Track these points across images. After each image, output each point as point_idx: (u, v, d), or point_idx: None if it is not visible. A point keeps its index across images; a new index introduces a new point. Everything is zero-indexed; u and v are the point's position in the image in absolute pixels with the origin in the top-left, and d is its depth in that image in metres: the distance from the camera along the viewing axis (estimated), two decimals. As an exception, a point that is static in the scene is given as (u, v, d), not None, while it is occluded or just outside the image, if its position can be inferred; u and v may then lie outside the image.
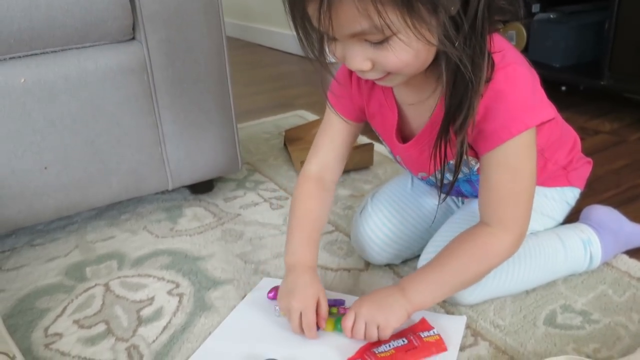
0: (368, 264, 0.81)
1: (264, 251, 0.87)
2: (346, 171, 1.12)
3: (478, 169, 0.64)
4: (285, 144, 1.28)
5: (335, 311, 0.68)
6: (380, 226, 0.77)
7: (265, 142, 1.35)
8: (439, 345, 0.62)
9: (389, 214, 0.78)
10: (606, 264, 0.76)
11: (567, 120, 0.75)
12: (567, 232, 0.73)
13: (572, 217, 0.79)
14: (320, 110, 1.58)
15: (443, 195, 0.66)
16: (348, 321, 0.62)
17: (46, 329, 0.72)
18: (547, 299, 0.71)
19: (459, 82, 0.53)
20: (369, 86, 0.68)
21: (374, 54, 0.52)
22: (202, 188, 1.07)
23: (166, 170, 0.96)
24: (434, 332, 0.63)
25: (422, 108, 0.63)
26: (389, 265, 0.80)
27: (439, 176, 0.63)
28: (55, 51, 0.83)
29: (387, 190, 0.82)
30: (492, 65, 0.54)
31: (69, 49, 0.84)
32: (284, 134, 1.30)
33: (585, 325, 0.66)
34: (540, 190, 0.72)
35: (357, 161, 1.12)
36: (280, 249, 0.87)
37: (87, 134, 0.87)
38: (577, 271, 0.74)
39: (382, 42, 0.50)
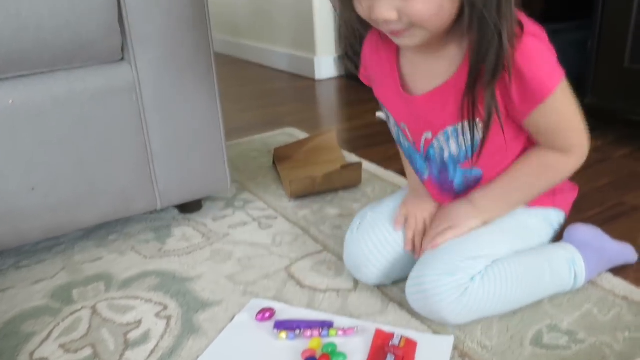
0: (357, 285, 0.81)
1: (252, 272, 0.87)
2: (334, 190, 1.13)
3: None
4: (274, 163, 1.28)
5: (335, 333, 0.69)
6: (382, 243, 0.77)
7: (254, 160, 1.35)
8: (411, 343, 0.65)
9: (387, 232, 0.78)
10: (591, 282, 0.77)
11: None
12: (552, 251, 0.74)
13: (557, 235, 0.80)
14: (309, 127, 1.60)
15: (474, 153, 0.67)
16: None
17: (32, 354, 0.71)
18: (533, 319, 0.71)
19: (485, 33, 0.56)
20: (378, 49, 0.72)
21: (401, 3, 0.55)
22: (191, 207, 1.07)
23: (155, 190, 0.96)
24: (397, 335, 0.66)
25: (442, 62, 0.65)
26: (378, 286, 0.80)
27: (456, 134, 0.66)
28: (43, 72, 0.83)
29: (387, 207, 0.82)
30: (518, 22, 0.58)
31: (58, 70, 0.84)
32: (273, 152, 1.31)
33: (571, 345, 0.67)
34: (525, 211, 0.73)
35: (346, 180, 1.13)
36: (269, 269, 0.87)
37: (76, 154, 0.87)
38: (563, 290, 0.75)
39: None
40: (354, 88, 2.13)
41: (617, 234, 0.84)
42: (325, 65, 2.30)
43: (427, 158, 0.73)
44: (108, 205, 0.92)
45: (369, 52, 0.74)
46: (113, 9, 0.84)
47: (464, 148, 0.67)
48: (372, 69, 0.75)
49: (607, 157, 1.25)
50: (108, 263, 0.92)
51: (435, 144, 0.69)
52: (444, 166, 0.72)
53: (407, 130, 0.73)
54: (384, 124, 1.58)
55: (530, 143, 0.70)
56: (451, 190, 0.75)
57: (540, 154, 0.68)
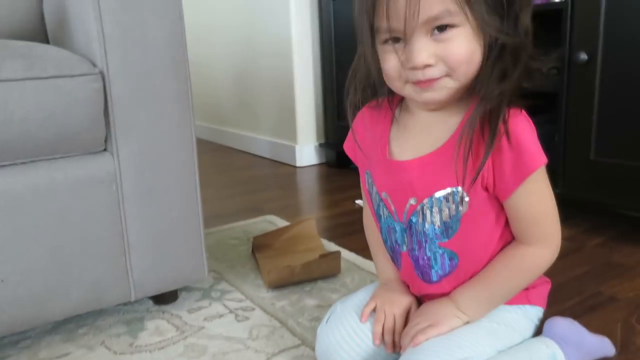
0: (335, 381, 0.78)
1: (227, 367, 0.83)
2: (313, 280, 1.12)
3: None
4: (253, 251, 1.28)
5: None
6: (351, 335, 0.75)
7: (233, 248, 1.34)
8: None
9: (356, 325, 0.76)
10: (573, 378, 0.76)
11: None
12: (534, 347, 0.73)
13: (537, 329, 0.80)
14: (288, 215, 1.60)
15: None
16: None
17: None
18: (518, 418, 0.69)
19: (501, 65, 0.62)
20: (371, 118, 0.76)
21: (437, 48, 0.60)
22: (166, 298, 1.04)
23: (129, 281, 0.94)
24: None
25: (440, 127, 0.68)
26: (356, 382, 0.77)
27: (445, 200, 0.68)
28: (25, 162, 0.84)
29: (357, 298, 0.81)
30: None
31: (39, 160, 0.85)
32: (252, 240, 1.30)
33: None
34: (503, 307, 0.73)
35: (325, 270, 1.12)
36: (245, 365, 0.83)
37: (51, 245, 0.85)
38: (545, 386, 0.73)
39: (446, 32, 0.59)
40: (334, 175, 2.17)
41: (596, 325, 0.84)
42: (307, 152, 2.36)
43: (409, 227, 0.73)
44: (80, 297, 0.89)
45: (361, 121, 0.78)
46: (99, 102, 0.86)
47: (447, 219, 0.68)
48: (361, 136, 0.77)
49: (582, 246, 1.28)
50: (75, 359, 0.87)
51: (419, 211, 0.70)
52: (423, 238, 0.71)
53: (389, 199, 0.73)
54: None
55: (506, 239, 0.71)
56: (427, 270, 0.74)
57: (518, 250, 0.69)
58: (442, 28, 0.60)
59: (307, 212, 1.72)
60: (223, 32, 2.82)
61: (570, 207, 1.52)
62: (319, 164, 2.37)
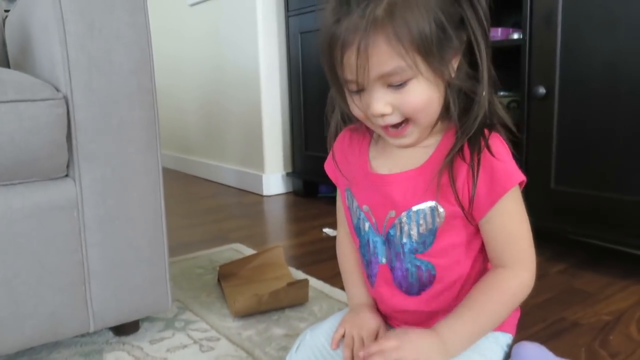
0: (303, 413, 0.76)
1: (190, 401, 0.80)
2: (280, 308, 1.10)
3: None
4: (219, 280, 1.25)
5: None
6: None
7: (199, 277, 1.31)
8: None
9: (327, 352, 0.75)
10: (540, 404, 0.76)
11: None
12: (501, 374, 0.73)
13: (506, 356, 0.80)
14: (255, 243, 1.59)
15: None
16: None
17: None
18: None
19: (470, 112, 0.63)
20: (351, 139, 0.77)
21: (394, 98, 0.61)
22: (127, 329, 1.01)
23: (88, 312, 0.90)
24: None
25: (416, 151, 0.69)
26: (325, 414, 0.76)
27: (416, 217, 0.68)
28: (-20, 188, 0.81)
29: (326, 326, 0.80)
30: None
31: (-4, 185, 0.82)
32: (218, 269, 1.28)
33: None
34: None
35: (292, 298, 1.10)
36: (209, 398, 0.80)
37: (4, 274, 0.82)
38: (515, 413, 0.73)
39: (402, 85, 0.60)
40: (302, 204, 2.17)
41: (561, 350, 0.85)
42: (274, 181, 2.36)
43: (388, 239, 0.73)
44: (34, 328, 0.85)
45: (341, 142, 0.79)
46: (62, 127, 0.84)
47: (424, 232, 0.69)
48: (341, 156, 0.78)
49: (545, 274, 1.30)
50: (28, 396, 0.83)
51: (397, 224, 0.70)
52: (401, 250, 0.72)
53: (370, 212, 0.74)
54: (331, 239, 1.59)
55: (483, 258, 0.72)
56: (403, 281, 0.74)
57: (497, 276, 0.68)
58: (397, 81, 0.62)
59: (274, 241, 1.70)
60: (191, 62, 2.83)
61: (532, 235, 1.55)
62: (286, 193, 2.37)
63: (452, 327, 0.67)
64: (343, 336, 0.76)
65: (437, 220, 0.68)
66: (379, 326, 0.77)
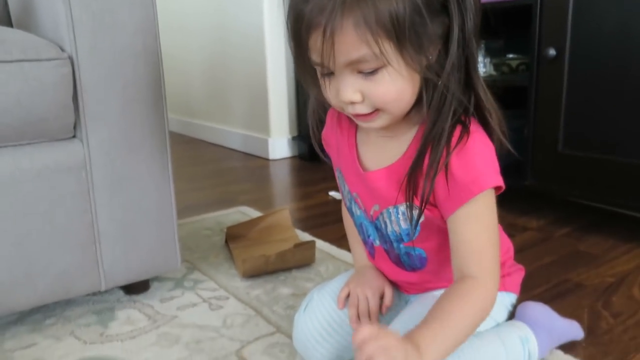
0: (310, 368, 0.79)
1: (201, 356, 0.82)
2: (287, 269, 1.12)
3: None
4: (226, 242, 1.26)
5: None
6: (330, 323, 0.76)
7: (207, 239, 1.33)
8: None
9: (334, 312, 0.77)
10: (542, 360, 0.78)
11: (498, 217, 0.79)
12: (506, 331, 0.75)
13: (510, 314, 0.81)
14: (262, 206, 1.60)
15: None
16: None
17: None
18: (489, 400, 0.70)
19: (440, 111, 0.59)
20: (341, 126, 0.74)
21: (364, 86, 0.57)
22: (137, 288, 1.03)
23: (99, 271, 0.92)
24: None
25: (393, 144, 0.67)
26: (332, 369, 0.78)
27: (396, 212, 0.67)
28: (-12, 148, 0.81)
29: (333, 286, 0.81)
30: (468, 109, 0.60)
31: (4, 146, 0.82)
32: (225, 231, 1.29)
33: None
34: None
35: (299, 259, 1.12)
36: (219, 354, 0.83)
37: (16, 234, 0.83)
38: (517, 370, 0.74)
39: (373, 73, 0.56)
40: (308, 168, 2.17)
41: (564, 311, 0.86)
42: (279, 145, 2.35)
43: (377, 227, 0.74)
44: (47, 287, 0.87)
45: (330, 118, 0.77)
46: (68, 87, 0.84)
47: (406, 227, 0.69)
48: (331, 141, 0.77)
49: (549, 237, 1.31)
50: (42, 349, 0.85)
51: (381, 218, 0.71)
52: (389, 239, 0.73)
53: (359, 199, 0.74)
54: (337, 202, 1.60)
55: None
56: (399, 262, 0.75)
57: (462, 288, 0.63)
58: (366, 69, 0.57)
59: (280, 204, 1.71)
60: (194, 19, 2.78)
61: (538, 198, 1.56)
62: (291, 157, 2.37)
63: (433, 338, 0.60)
64: (348, 295, 0.78)
65: (418, 214, 0.66)
66: (384, 285, 0.78)
